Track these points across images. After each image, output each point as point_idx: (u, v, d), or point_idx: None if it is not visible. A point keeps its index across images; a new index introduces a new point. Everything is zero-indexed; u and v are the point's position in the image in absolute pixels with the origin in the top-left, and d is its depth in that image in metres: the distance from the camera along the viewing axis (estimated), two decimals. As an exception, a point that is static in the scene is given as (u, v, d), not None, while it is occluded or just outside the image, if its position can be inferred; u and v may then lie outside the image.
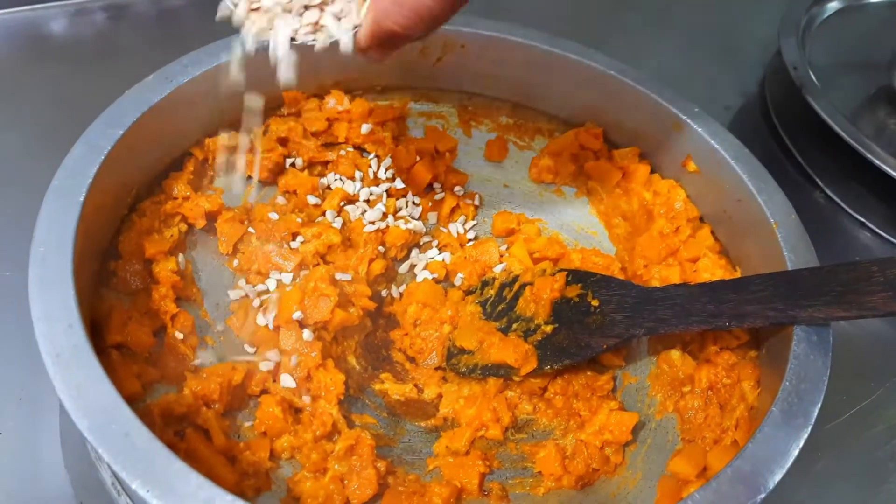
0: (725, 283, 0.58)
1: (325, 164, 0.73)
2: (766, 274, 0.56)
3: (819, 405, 0.50)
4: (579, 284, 0.64)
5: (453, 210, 0.75)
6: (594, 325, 0.61)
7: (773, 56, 1.03)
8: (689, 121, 0.67)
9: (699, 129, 0.67)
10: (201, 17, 0.97)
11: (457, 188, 0.76)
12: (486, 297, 0.66)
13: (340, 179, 0.73)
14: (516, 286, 0.65)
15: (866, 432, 0.68)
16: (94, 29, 0.93)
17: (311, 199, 0.70)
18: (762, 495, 0.46)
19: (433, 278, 0.70)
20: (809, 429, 0.49)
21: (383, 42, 0.49)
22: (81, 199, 0.53)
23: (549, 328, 0.62)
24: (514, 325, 0.63)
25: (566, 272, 0.65)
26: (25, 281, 0.64)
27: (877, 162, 0.81)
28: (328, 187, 0.72)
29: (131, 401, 0.51)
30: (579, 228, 0.74)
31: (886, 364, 0.73)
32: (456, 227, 0.74)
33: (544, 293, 0.63)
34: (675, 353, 0.63)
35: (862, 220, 0.85)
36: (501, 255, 0.72)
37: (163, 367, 0.56)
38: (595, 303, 0.62)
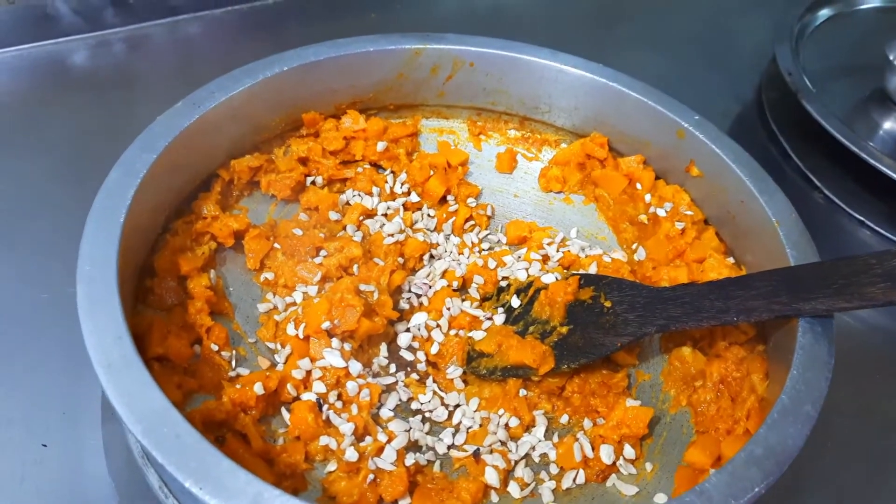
0: (732, 280, 0.61)
1: (344, 181, 0.77)
2: (771, 270, 0.59)
3: (826, 391, 0.53)
4: (591, 287, 0.66)
5: (467, 220, 0.78)
6: (608, 325, 0.63)
7: (768, 63, 1.07)
8: (690, 128, 0.71)
9: (700, 136, 0.70)
10: (216, 44, 1.01)
11: (469, 200, 0.79)
12: (503, 303, 0.69)
13: (359, 195, 0.76)
14: (531, 291, 0.68)
15: (873, 423, 0.70)
16: (114, 60, 0.97)
17: (332, 215, 0.73)
18: (775, 477, 0.48)
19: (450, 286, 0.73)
20: (818, 414, 0.52)
21: None
22: (122, 219, 0.56)
23: (564, 329, 0.65)
24: (531, 328, 0.66)
25: (579, 276, 0.68)
26: (62, 302, 0.67)
27: (872, 161, 0.83)
28: (347, 203, 0.76)
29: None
30: (589, 234, 0.78)
31: (892, 357, 0.75)
32: (470, 237, 0.77)
33: (558, 296, 0.66)
34: (686, 350, 0.65)
35: (861, 218, 0.88)
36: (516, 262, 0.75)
37: (201, 377, 0.59)
38: (608, 304, 0.65)
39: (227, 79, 0.68)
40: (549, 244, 0.75)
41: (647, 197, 0.74)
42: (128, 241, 0.57)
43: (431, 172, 0.78)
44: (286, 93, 0.72)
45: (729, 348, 0.63)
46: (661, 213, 0.73)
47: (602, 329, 0.64)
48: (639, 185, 0.75)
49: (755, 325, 0.63)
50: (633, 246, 0.74)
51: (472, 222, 0.78)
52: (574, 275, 0.68)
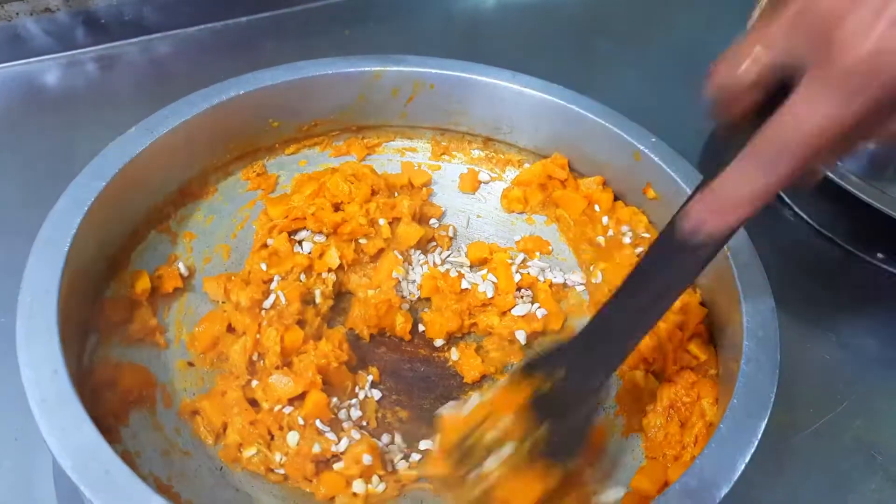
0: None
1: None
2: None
3: (765, 421, 0.53)
4: (539, 371, 0.55)
5: (429, 241, 0.78)
6: (573, 395, 0.54)
7: (743, 79, 1.06)
8: (646, 150, 0.70)
9: (655, 158, 0.70)
10: (189, 63, 1.01)
11: (432, 220, 0.79)
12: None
13: (318, 217, 0.76)
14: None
15: (832, 444, 0.70)
16: (86, 79, 0.97)
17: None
18: (709, 509, 0.48)
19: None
20: (755, 444, 0.51)
21: None
22: (66, 249, 0.56)
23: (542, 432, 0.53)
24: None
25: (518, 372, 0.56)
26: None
27: (839, 181, 0.83)
28: (306, 225, 0.76)
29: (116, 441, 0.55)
30: (550, 255, 0.77)
31: (852, 377, 0.75)
32: (432, 258, 0.77)
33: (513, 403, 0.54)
34: (639, 374, 0.65)
35: (829, 235, 0.88)
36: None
37: (148, 405, 0.60)
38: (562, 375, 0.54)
39: (182, 103, 0.69)
40: (508, 267, 0.74)
41: (605, 219, 0.74)
42: (75, 268, 0.57)
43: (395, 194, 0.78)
44: (244, 116, 0.73)
45: (680, 372, 0.63)
46: (618, 235, 0.72)
47: (574, 401, 0.54)
48: (597, 207, 0.75)
49: (706, 349, 0.64)
50: (591, 268, 0.74)
51: (433, 243, 0.78)
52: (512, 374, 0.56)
